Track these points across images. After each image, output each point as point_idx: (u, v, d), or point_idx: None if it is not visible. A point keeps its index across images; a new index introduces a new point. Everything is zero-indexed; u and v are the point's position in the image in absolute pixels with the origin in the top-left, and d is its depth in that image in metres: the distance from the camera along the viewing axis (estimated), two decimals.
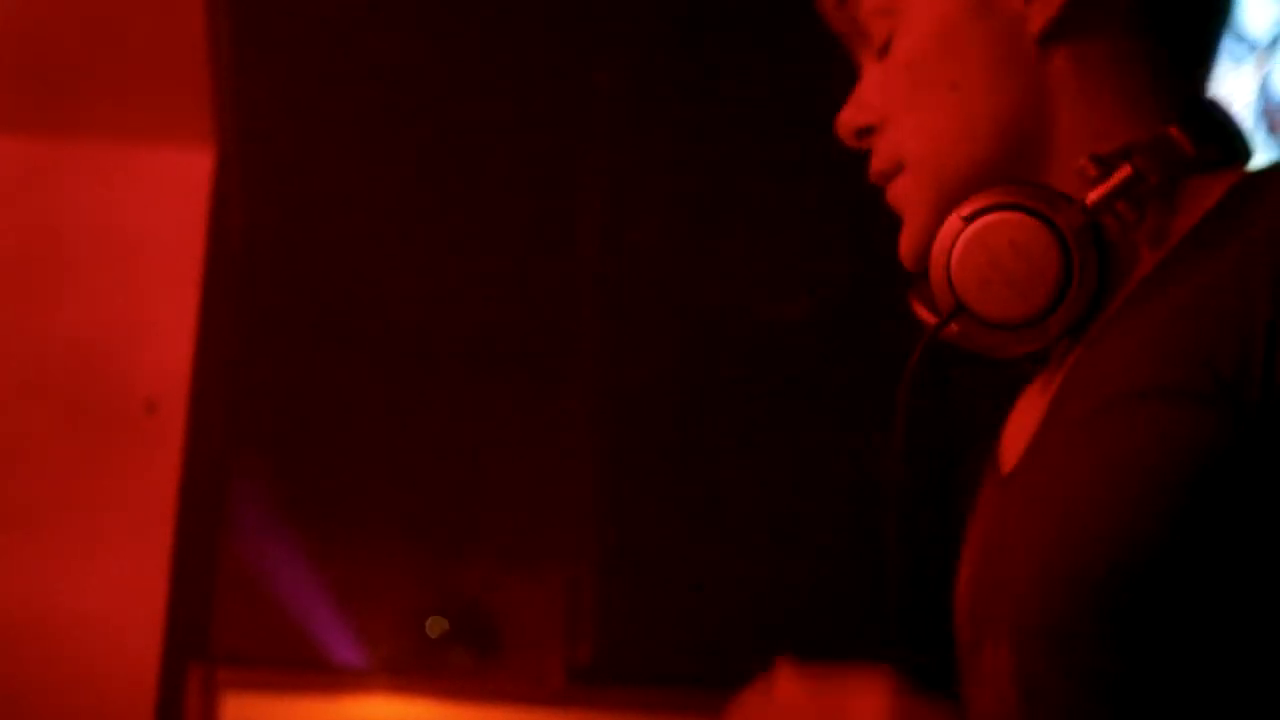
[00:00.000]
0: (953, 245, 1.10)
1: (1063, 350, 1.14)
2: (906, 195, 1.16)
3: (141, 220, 4.40)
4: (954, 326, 1.11)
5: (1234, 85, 3.92)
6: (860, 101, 1.19)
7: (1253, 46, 3.90)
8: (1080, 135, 1.11)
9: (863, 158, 1.19)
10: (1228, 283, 0.96)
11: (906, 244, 1.16)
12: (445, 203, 4.62)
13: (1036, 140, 1.12)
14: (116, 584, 4.22)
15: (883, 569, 1.20)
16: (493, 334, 4.86)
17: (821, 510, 4.62)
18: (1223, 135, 1.13)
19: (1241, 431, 0.92)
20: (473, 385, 5.00)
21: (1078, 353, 1.11)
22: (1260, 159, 1.11)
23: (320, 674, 4.97)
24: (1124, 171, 1.08)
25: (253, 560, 4.89)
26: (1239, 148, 1.13)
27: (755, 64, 3.93)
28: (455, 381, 4.98)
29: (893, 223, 1.21)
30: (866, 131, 1.19)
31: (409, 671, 5.19)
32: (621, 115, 4.43)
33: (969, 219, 1.09)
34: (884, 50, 1.17)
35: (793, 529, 4.84)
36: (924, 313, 1.15)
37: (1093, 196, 1.08)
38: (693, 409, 4.76)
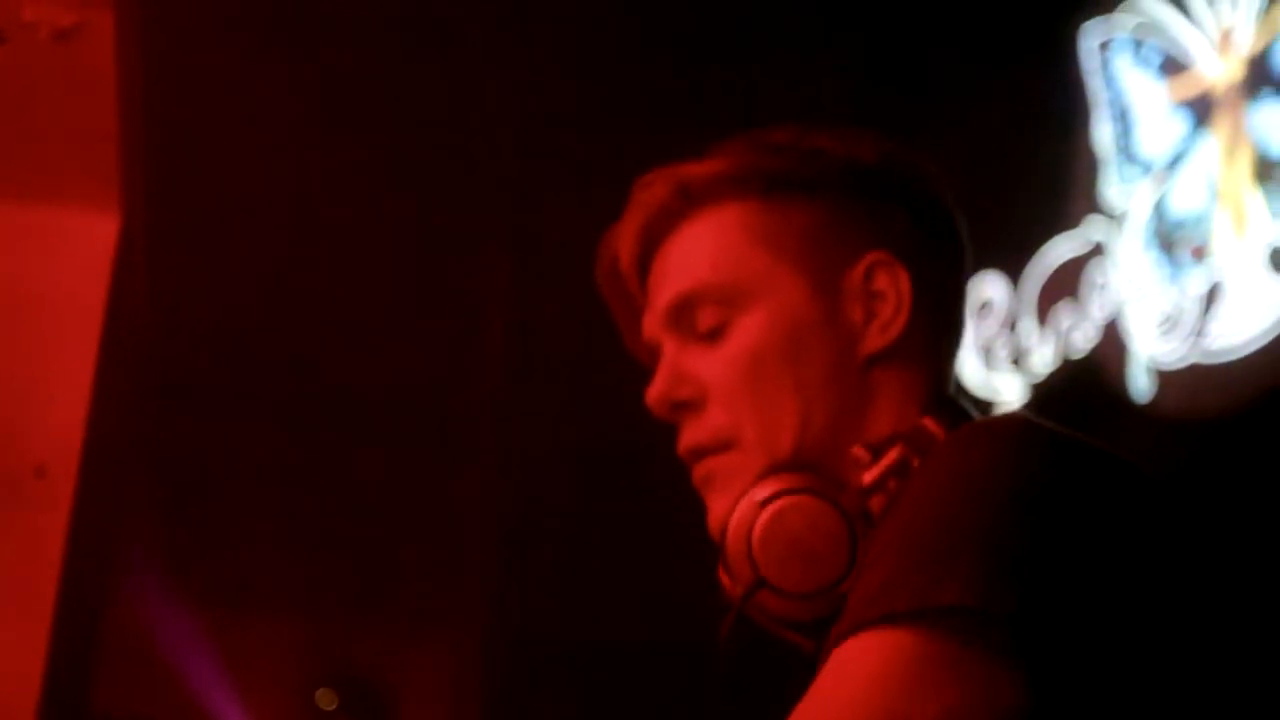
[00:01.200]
0: (751, 526, 1.22)
1: None
2: (729, 472, 1.26)
3: (43, 282, 4.35)
4: (755, 598, 1.24)
5: (1129, 206, 4.00)
6: (676, 376, 1.29)
7: (1147, 168, 3.98)
8: (870, 428, 1.26)
9: None
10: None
11: (727, 515, 1.25)
12: (348, 273, 4.62)
13: (849, 434, 1.26)
14: None
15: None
16: (395, 409, 4.86)
17: (713, 592, 4.64)
18: (956, 419, 1.27)
19: None
20: (371, 459, 4.99)
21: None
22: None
23: None
24: (893, 455, 1.23)
25: (140, 628, 4.84)
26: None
27: (662, 148, 3.97)
28: (354, 454, 4.97)
29: None
30: (684, 406, 1.29)
31: None
32: (531, 198, 4.48)
33: (764, 503, 1.22)
34: (710, 335, 1.28)
35: (682, 608, 4.86)
36: (729, 581, 1.26)
37: (868, 478, 1.22)
38: (590, 493, 4.79)
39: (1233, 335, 3.67)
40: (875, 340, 1.27)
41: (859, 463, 1.23)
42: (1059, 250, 4.12)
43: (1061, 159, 4.15)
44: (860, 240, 1.28)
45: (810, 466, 1.24)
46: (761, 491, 1.23)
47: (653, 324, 1.33)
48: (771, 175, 1.29)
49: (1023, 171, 4.12)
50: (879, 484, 1.22)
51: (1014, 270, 4.20)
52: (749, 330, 1.27)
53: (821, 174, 1.29)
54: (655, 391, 1.29)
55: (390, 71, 4.34)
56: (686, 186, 1.30)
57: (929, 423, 1.24)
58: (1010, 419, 1.17)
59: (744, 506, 1.23)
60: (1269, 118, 3.73)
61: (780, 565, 1.21)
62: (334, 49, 4.27)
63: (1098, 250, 4.04)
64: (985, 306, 4.28)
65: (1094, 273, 4.03)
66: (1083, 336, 4.03)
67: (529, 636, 4.97)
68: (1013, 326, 4.23)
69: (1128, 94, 4.05)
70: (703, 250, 1.29)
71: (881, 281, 1.27)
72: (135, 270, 4.46)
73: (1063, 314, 4.09)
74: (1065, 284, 4.10)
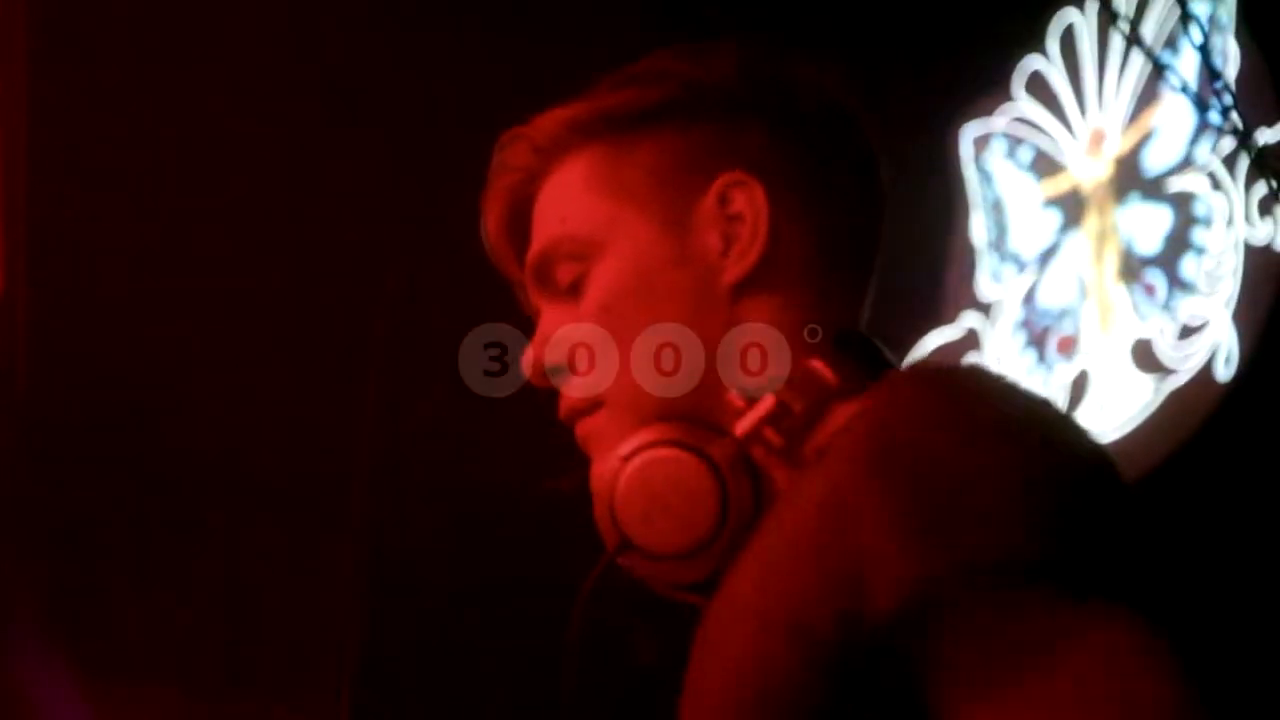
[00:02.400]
0: (613, 483, 1.14)
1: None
2: (601, 432, 1.19)
3: None
4: (626, 560, 1.16)
5: (1001, 298, 4.11)
6: (544, 342, 1.22)
7: (1019, 262, 4.09)
8: (742, 364, 1.17)
9: None
10: (809, 536, 1.03)
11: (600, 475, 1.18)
12: (225, 342, 4.62)
13: (714, 373, 1.17)
14: None
15: None
16: (270, 479, 4.85)
17: (571, 671, 4.68)
18: (867, 362, 1.18)
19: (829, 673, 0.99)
20: (247, 527, 4.97)
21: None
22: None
23: None
24: (767, 403, 1.13)
25: (12, 694, 4.77)
26: (867, 373, 1.17)
27: None
28: (230, 522, 4.95)
29: None
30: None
31: None
32: (409, 283, 4.51)
33: (627, 458, 1.14)
34: (571, 291, 1.21)
35: (544, 685, 4.91)
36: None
37: (741, 427, 1.14)
38: (455, 560, 4.82)
39: (1096, 427, 3.78)
40: (734, 268, 1.18)
41: (734, 410, 1.15)
42: (934, 339, 4.21)
43: (938, 252, 4.26)
44: (713, 164, 1.19)
45: (685, 415, 1.15)
46: (625, 447, 1.15)
47: (530, 290, 1.26)
48: (613, 114, 1.21)
49: (900, 263, 4.21)
50: (754, 434, 1.13)
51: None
52: (599, 279, 1.19)
53: (667, 101, 1.20)
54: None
55: (270, 144, 4.36)
56: (536, 143, 1.23)
57: (818, 365, 1.15)
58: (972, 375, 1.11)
59: (609, 464, 1.15)
60: (1136, 216, 3.86)
61: (643, 525, 1.12)
62: (218, 115, 4.29)
63: (970, 340, 4.14)
64: None
65: (966, 361, 4.13)
66: None
67: (394, 706, 4.97)
68: None
69: (1001, 190, 4.17)
70: (552, 206, 1.22)
71: (738, 203, 1.18)
72: (14, 334, 4.43)
73: None
74: None
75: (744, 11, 4.08)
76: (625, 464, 1.13)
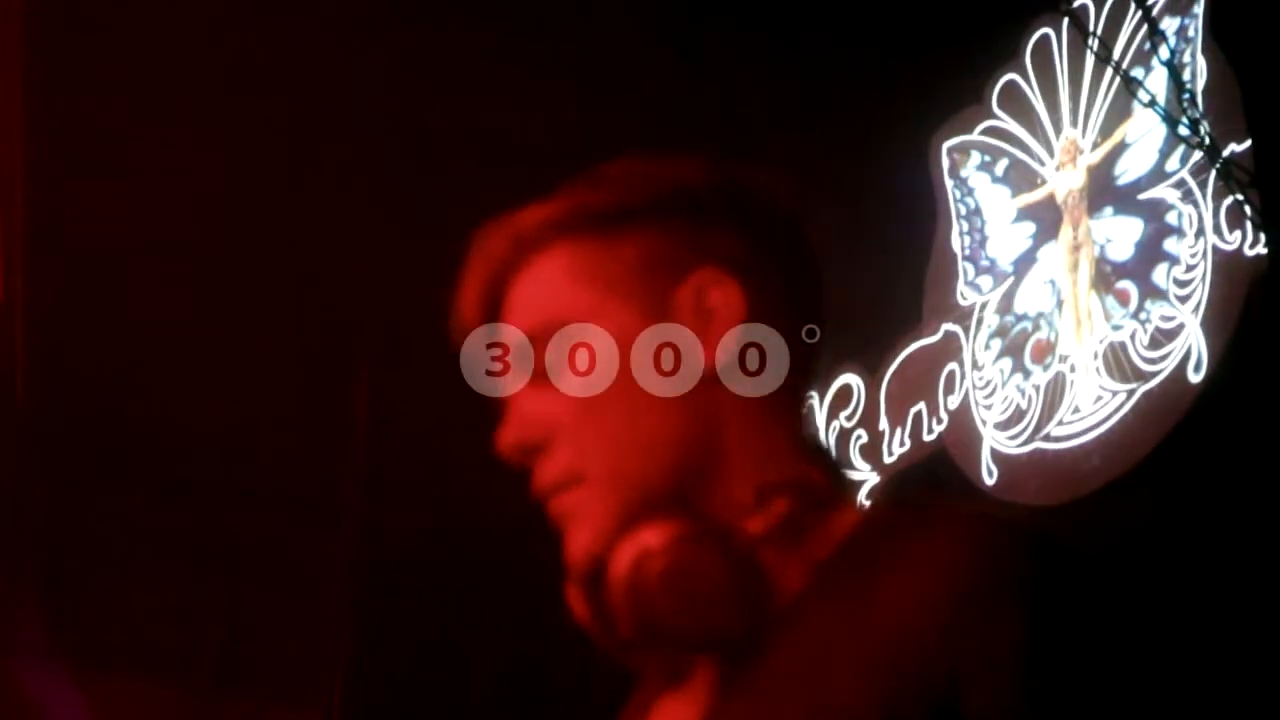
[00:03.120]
0: (638, 568, 1.21)
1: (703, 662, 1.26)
2: (582, 506, 1.25)
3: None
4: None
5: (978, 305, 4.20)
6: (523, 420, 1.27)
7: (995, 270, 4.18)
8: (740, 465, 1.24)
9: None
10: (901, 647, 1.13)
11: (585, 548, 1.24)
12: (221, 345, 4.66)
13: (705, 462, 1.25)
14: None
15: None
16: (268, 480, 4.90)
17: (559, 673, 4.76)
18: (835, 473, 1.29)
19: None
20: (245, 528, 5.02)
21: (721, 665, 1.23)
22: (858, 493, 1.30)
23: None
24: (781, 505, 1.22)
25: (10, 691, 4.82)
26: (844, 484, 1.30)
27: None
28: (228, 523, 5.00)
29: None
30: (533, 449, 1.27)
31: None
32: (401, 289, 4.56)
33: (656, 550, 1.21)
34: (549, 372, 1.27)
35: (527, 686, 4.99)
36: (580, 606, 1.25)
37: (757, 526, 1.22)
38: (449, 562, 4.87)
39: (1069, 429, 3.88)
40: (715, 352, 1.26)
41: (743, 506, 1.22)
42: (913, 345, 4.29)
43: (917, 260, 4.33)
44: (688, 260, 1.27)
45: (671, 495, 1.23)
46: (651, 534, 1.21)
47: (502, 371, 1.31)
48: (596, 211, 1.28)
49: (880, 270, 4.29)
50: (767, 534, 1.21)
51: (870, 362, 4.35)
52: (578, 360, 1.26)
53: (646, 201, 1.28)
54: (504, 438, 1.27)
55: (270, 146, 4.40)
56: (518, 235, 1.30)
57: (816, 475, 1.24)
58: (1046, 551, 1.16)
59: (636, 548, 1.21)
60: (1109, 225, 3.95)
61: (667, 610, 1.20)
62: (219, 117, 4.35)
63: (949, 345, 4.22)
64: (841, 396, 4.42)
65: (945, 367, 4.20)
66: (932, 426, 4.21)
67: (389, 705, 5.02)
68: (866, 416, 4.38)
69: (978, 199, 4.26)
70: (534, 295, 1.29)
71: (713, 298, 1.26)
72: (13, 337, 4.48)
73: (914, 405, 4.25)
74: (918, 376, 4.27)
75: (735, 31, 4.16)
76: (653, 554, 1.20)
